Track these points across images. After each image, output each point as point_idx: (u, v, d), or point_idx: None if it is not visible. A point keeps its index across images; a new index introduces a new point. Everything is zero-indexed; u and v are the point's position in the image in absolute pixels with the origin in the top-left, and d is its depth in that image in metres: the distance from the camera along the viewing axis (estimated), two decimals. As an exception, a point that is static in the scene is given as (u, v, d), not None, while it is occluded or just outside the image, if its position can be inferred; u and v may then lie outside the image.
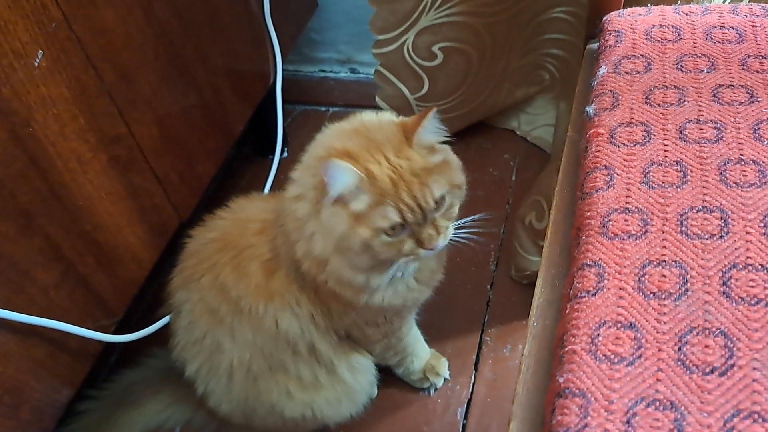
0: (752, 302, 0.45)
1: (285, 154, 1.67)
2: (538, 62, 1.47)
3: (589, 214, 0.54)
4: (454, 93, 1.45)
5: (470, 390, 1.21)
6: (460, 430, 1.17)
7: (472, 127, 1.61)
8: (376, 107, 1.53)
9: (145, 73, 1.05)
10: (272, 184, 1.56)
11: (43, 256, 0.87)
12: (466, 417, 1.18)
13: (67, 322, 0.89)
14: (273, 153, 1.64)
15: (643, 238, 0.51)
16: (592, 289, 0.49)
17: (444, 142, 0.83)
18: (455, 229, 0.84)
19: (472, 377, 1.23)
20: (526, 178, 1.53)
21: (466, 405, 1.20)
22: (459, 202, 0.82)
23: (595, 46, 0.79)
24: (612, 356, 0.45)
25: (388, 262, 0.81)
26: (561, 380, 0.45)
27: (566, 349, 0.47)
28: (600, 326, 0.46)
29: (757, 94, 0.59)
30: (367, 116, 0.87)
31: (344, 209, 0.76)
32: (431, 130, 0.78)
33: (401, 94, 1.45)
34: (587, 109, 0.64)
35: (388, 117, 0.85)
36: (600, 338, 0.46)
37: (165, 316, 1.06)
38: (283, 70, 1.51)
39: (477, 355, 1.26)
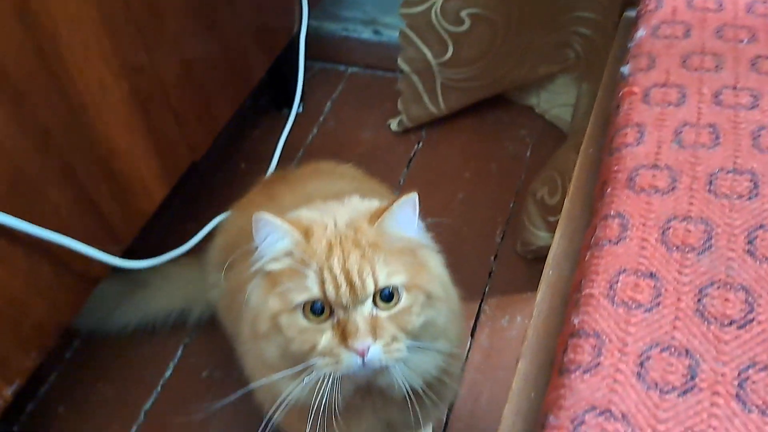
0: (776, 262, 0.45)
1: (300, 109, 1.66)
2: (564, 40, 1.46)
3: (616, 168, 0.54)
4: (477, 62, 1.44)
5: (465, 357, 1.22)
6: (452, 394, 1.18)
7: (490, 101, 1.60)
8: (396, 70, 1.53)
9: (173, 8, 1.04)
10: (287, 137, 1.56)
11: (57, 176, 0.86)
12: (458, 382, 1.19)
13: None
14: (288, 106, 1.64)
15: (671, 194, 0.50)
16: (614, 238, 0.49)
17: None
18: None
19: (468, 344, 1.23)
20: (540, 156, 1.52)
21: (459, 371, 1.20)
22: (426, 317, 0.63)
23: (632, 14, 0.78)
24: (630, 302, 0.45)
25: (304, 365, 0.61)
26: (576, 321, 0.45)
27: (583, 293, 0.47)
28: (620, 273, 0.46)
29: (796, 67, 0.58)
30: (357, 199, 0.73)
31: (266, 276, 0.64)
32: (404, 218, 0.63)
33: (424, 58, 1.44)
34: (622, 69, 0.63)
35: (376, 203, 0.71)
36: (619, 284, 0.46)
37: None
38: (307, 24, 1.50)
39: (475, 323, 1.26)
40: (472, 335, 1.25)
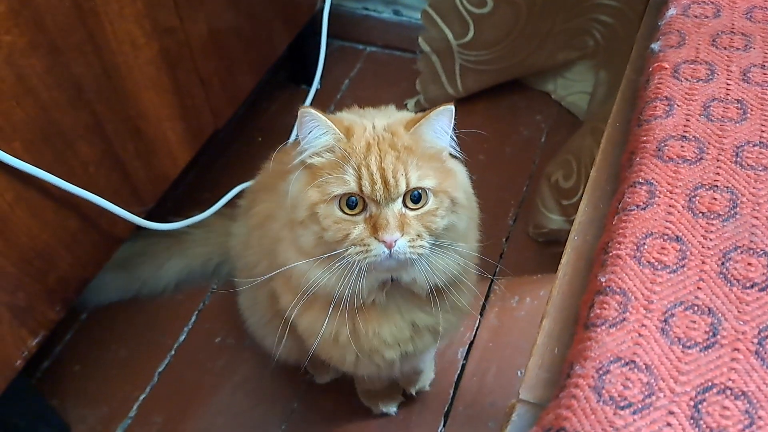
0: (799, 230, 0.46)
1: (319, 86, 1.67)
2: (584, 27, 1.46)
3: (645, 138, 0.55)
4: (497, 45, 1.45)
5: (474, 333, 1.24)
6: (459, 368, 1.20)
7: (507, 85, 1.62)
8: (414, 50, 1.54)
9: (204, -28, 1.05)
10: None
11: (88, 131, 0.88)
12: (466, 358, 1.21)
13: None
14: (307, 83, 1.65)
15: (698, 164, 0.52)
16: (642, 203, 0.50)
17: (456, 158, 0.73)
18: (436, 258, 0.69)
19: (477, 321, 1.25)
20: (555, 141, 1.54)
21: (468, 346, 1.22)
22: (449, 220, 0.69)
23: (661, -5, 0.79)
24: (656, 263, 0.46)
25: (335, 252, 0.67)
26: (603, 280, 0.47)
27: (611, 254, 0.48)
28: (647, 236, 0.48)
29: (823, 50, 0.60)
30: (393, 108, 0.81)
31: (307, 169, 0.69)
32: (440, 128, 0.68)
33: (444, 38, 1.45)
34: (652, 45, 0.65)
35: (411, 114, 0.76)
36: (645, 247, 0.47)
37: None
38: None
39: (484, 302, 1.28)
40: (481, 314, 1.26)
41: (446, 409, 1.15)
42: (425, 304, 0.77)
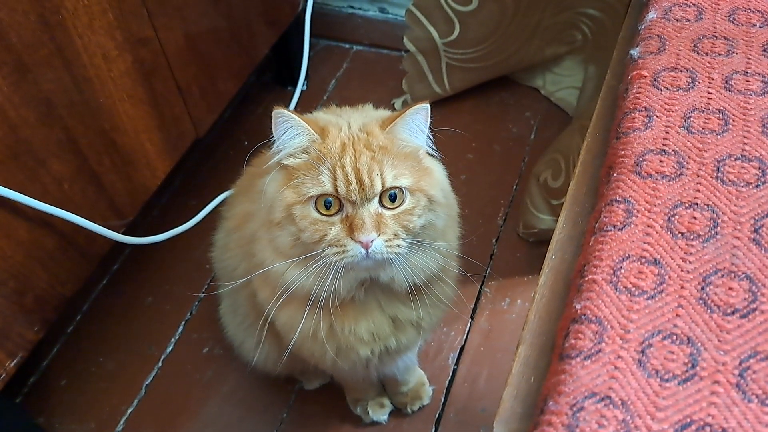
0: (782, 251, 0.44)
1: (305, 87, 1.65)
2: (572, 21, 1.44)
3: (623, 152, 0.53)
4: (483, 42, 1.43)
5: (464, 337, 1.22)
6: (450, 374, 1.18)
7: (496, 81, 1.59)
8: (402, 48, 1.51)
9: (178, -22, 1.03)
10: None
11: (60, 148, 0.86)
12: (457, 363, 1.19)
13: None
14: (292, 84, 1.63)
15: (677, 180, 0.50)
16: (619, 224, 0.48)
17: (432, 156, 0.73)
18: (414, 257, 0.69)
19: (468, 325, 1.24)
20: (544, 138, 1.51)
21: (458, 351, 1.21)
22: (426, 219, 0.68)
23: (643, -5, 0.77)
24: (633, 289, 0.44)
25: (312, 253, 0.67)
26: (578, 307, 0.45)
27: (586, 279, 0.46)
28: (623, 259, 0.46)
29: (808, 54, 0.57)
30: (370, 107, 0.80)
31: (283, 170, 0.68)
32: (416, 126, 0.68)
33: (430, 37, 1.43)
34: (631, 51, 0.62)
35: (388, 112, 0.76)
36: (622, 271, 0.46)
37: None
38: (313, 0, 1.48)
39: (475, 305, 1.27)
40: (472, 317, 1.25)
41: (437, 415, 1.13)
42: (406, 299, 0.76)
